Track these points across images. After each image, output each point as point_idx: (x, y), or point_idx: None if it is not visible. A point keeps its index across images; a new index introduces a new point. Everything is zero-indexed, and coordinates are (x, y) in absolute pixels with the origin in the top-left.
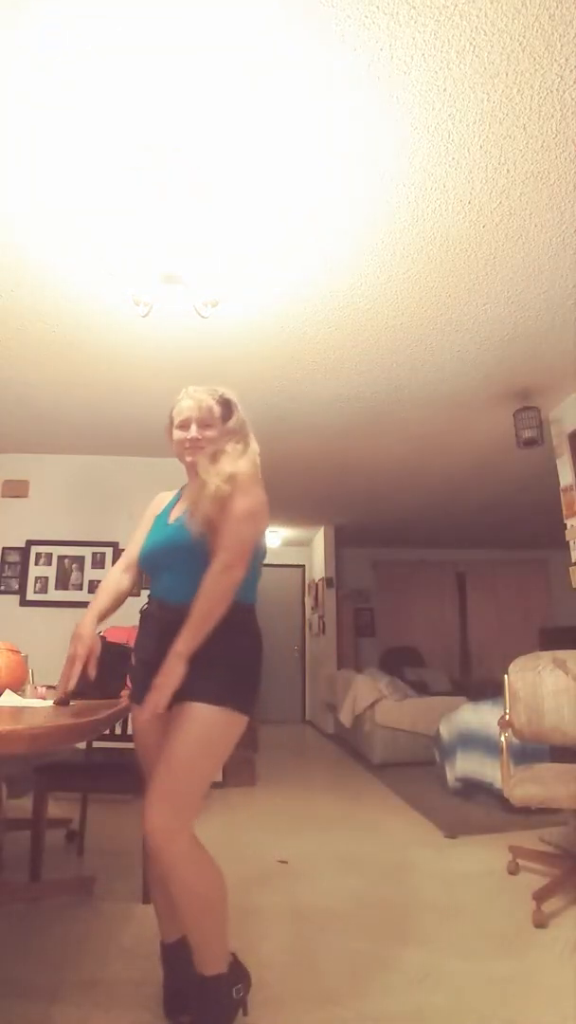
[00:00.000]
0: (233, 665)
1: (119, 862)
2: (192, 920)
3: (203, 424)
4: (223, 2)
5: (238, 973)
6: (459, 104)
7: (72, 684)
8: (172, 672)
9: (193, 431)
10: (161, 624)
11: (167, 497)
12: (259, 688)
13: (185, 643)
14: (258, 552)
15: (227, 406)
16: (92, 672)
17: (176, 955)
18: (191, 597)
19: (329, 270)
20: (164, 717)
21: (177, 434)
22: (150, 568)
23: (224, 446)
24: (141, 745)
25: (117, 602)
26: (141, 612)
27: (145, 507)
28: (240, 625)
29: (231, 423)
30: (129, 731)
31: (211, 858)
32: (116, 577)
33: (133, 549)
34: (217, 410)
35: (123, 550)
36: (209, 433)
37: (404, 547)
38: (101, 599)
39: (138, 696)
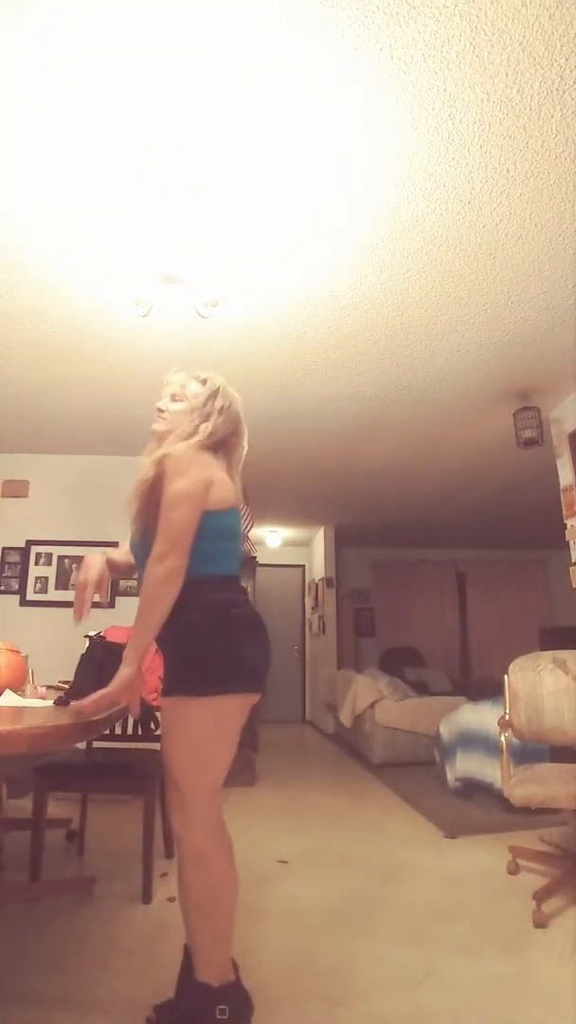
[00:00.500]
0: (184, 648)
1: (119, 862)
2: (191, 921)
3: (173, 397)
4: (223, 2)
5: (232, 995)
6: (459, 104)
7: (87, 610)
8: (119, 678)
9: (161, 403)
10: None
11: None
12: (252, 659)
13: (131, 641)
14: (211, 531)
15: (203, 385)
16: (104, 593)
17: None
18: None
19: (329, 270)
20: None
21: None
22: (139, 562)
23: (181, 426)
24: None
25: (127, 561)
26: None
27: None
28: (188, 602)
29: (203, 406)
30: (129, 731)
31: (224, 867)
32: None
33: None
34: (192, 387)
35: None
36: (175, 406)
37: (404, 547)
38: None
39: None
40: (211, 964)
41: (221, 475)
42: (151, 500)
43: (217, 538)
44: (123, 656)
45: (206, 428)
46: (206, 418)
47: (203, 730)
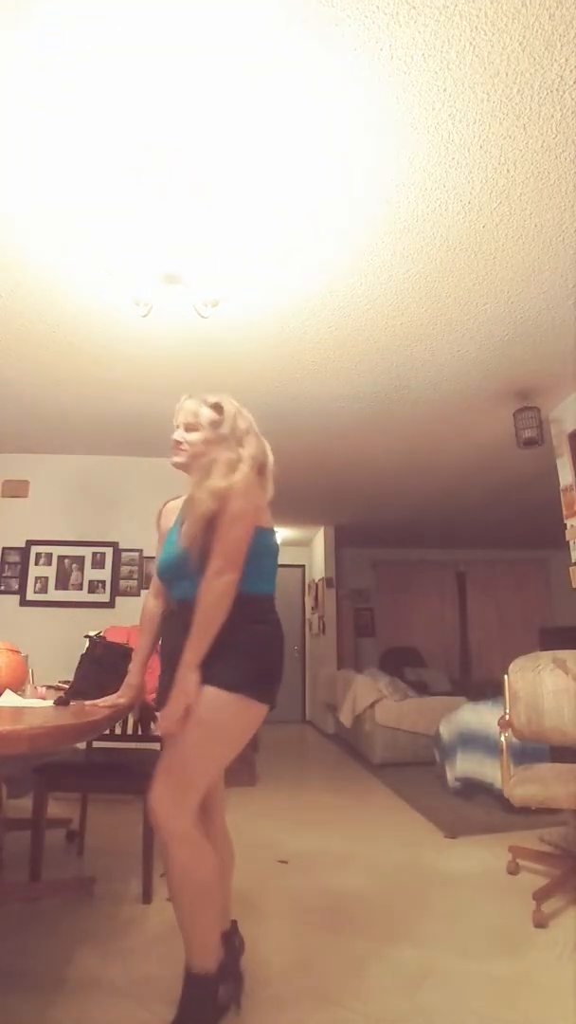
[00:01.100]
0: (249, 653)
1: (119, 862)
2: (182, 905)
3: (188, 427)
4: (223, 2)
5: (225, 972)
6: (459, 104)
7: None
8: (185, 684)
9: (177, 434)
10: (181, 621)
11: (175, 507)
12: (279, 677)
13: (191, 652)
14: (260, 548)
15: (217, 410)
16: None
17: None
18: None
19: (329, 270)
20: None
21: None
22: (167, 581)
23: (218, 455)
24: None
25: (158, 635)
26: (163, 617)
27: (149, 512)
28: (256, 614)
29: (223, 429)
30: (129, 731)
31: (210, 848)
32: (151, 610)
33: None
34: (206, 414)
35: (123, 550)
36: (193, 437)
37: (404, 547)
38: (145, 641)
39: (159, 697)
40: (207, 949)
41: (265, 496)
42: (208, 529)
43: (270, 555)
44: (184, 663)
45: (248, 453)
46: (240, 443)
47: (239, 730)
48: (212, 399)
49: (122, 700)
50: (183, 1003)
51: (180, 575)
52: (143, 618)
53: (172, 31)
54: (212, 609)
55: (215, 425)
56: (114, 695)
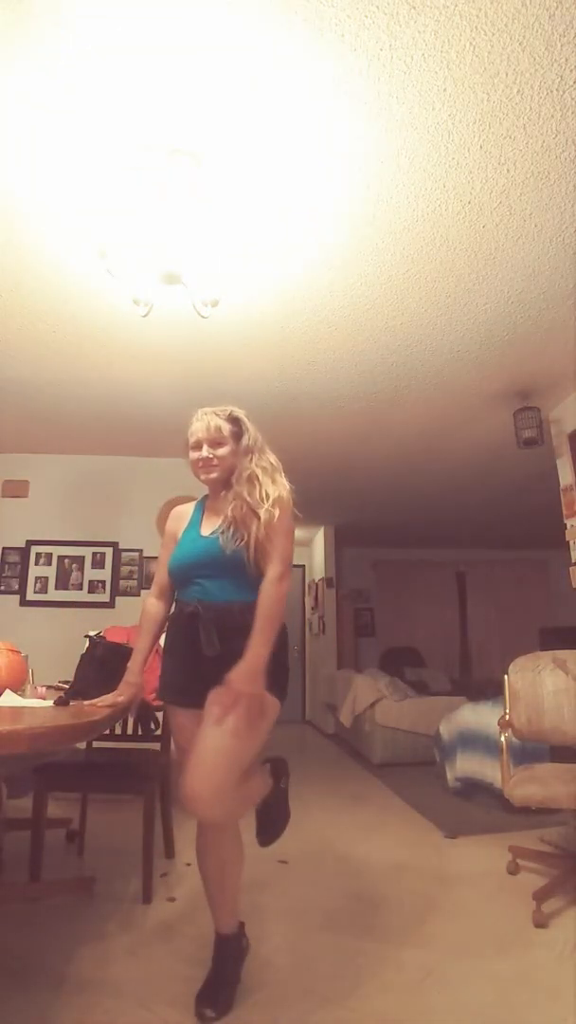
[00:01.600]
0: (275, 657)
1: (119, 862)
2: (229, 879)
3: (213, 443)
4: (223, 2)
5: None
6: (459, 104)
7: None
8: (259, 680)
9: (205, 451)
10: (200, 622)
11: (187, 511)
12: (288, 673)
13: (264, 645)
14: None
15: (237, 423)
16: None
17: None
18: (234, 597)
19: (329, 270)
20: (201, 715)
21: (192, 455)
22: (183, 579)
23: (252, 467)
24: (184, 738)
25: (158, 636)
26: (170, 619)
27: (149, 512)
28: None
29: (245, 440)
30: (129, 731)
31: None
32: (154, 610)
33: (164, 573)
34: (227, 428)
35: (123, 550)
36: (221, 452)
37: (404, 547)
38: (145, 642)
39: (177, 697)
40: (236, 913)
41: None
42: (262, 535)
43: None
44: (257, 661)
45: (276, 459)
46: (261, 451)
47: (268, 725)
48: (228, 413)
49: (121, 698)
50: (220, 961)
51: (203, 575)
52: (144, 618)
53: (172, 31)
54: (278, 609)
55: (237, 437)
56: (113, 693)
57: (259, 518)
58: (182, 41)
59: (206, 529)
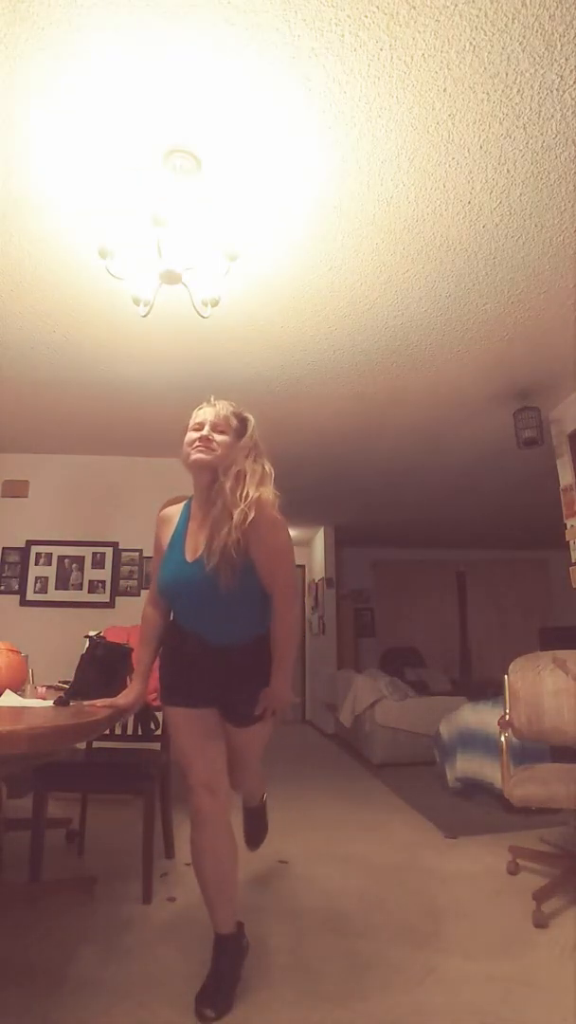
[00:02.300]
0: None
1: (119, 862)
2: (226, 877)
3: (217, 429)
4: (223, 2)
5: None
6: (459, 104)
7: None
8: (288, 698)
9: (206, 430)
10: (201, 652)
11: (173, 514)
12: None
13: (287, 674)
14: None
15: (243, 422)
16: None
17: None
18: (234, 640)
19: (329, 270)
20: (201, 715)
21: (189, 435)
22: (172, 598)
23: (243, 464)
24: (185, 735)
25: (159, 645)
26: (168, 625)
27: (149, 512)
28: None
29: (245, 440)
30: (129, 731)
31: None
32: (151, 619)
33: (156, 583)
34: (233, 421)
35: (123, 551)
36: (220, 438)
37: (404, 547)
38: (146, 653)
39: (179, 699)
40: (234, 910)
41: None
42: (240, 542)
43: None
44: (277, 676)
45: (269, 468)
46: (259, 456)
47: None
48: (240, 411)
49: (121, 701)
50: (220, 961)
51: (194, 604)
52: (144, 628)
53: (172, 31)
54: (293, 639)
55: (239, 434)
56: (116, 697)
57: (232, 519)
58: (182, 41)
59: (190, 550)
